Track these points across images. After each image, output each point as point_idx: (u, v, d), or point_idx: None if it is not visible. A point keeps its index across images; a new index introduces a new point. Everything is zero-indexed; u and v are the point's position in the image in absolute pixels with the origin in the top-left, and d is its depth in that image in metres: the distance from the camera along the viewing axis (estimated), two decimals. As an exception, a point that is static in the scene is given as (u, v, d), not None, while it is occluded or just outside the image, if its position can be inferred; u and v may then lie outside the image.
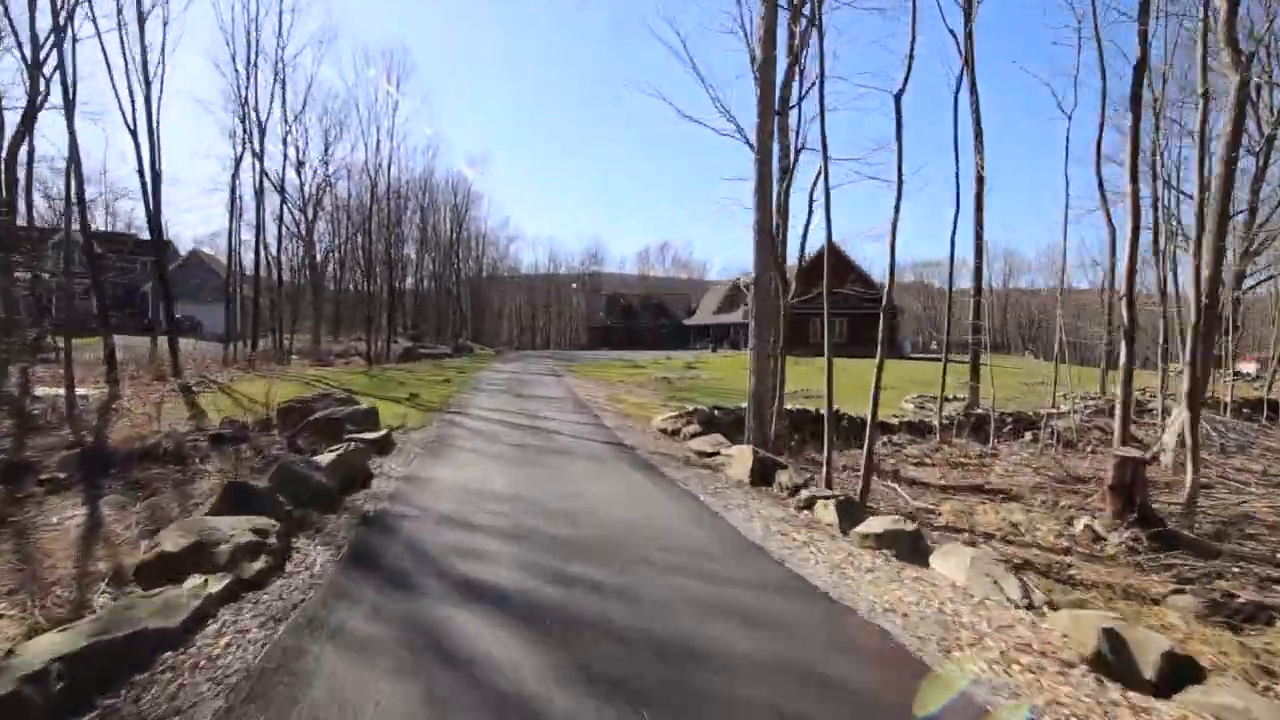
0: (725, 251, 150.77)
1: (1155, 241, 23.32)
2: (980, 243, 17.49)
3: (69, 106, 14.85)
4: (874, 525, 5.12)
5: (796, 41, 12.04)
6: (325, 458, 6.61)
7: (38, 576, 5.27)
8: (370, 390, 17.10)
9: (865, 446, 8.19)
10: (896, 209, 7.89)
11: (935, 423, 15.49)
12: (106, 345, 16.63)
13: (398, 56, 51.93)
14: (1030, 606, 3.71)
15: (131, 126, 18.54)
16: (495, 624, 3.27)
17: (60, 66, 14.74)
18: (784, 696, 2.67)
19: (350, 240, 42.41)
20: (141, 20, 18.68)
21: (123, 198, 38.44)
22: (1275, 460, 13.42)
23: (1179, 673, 2.88)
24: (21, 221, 18.18)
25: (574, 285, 75.05)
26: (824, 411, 15.51)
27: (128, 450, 9.47)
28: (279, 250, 30.38)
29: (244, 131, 25.53)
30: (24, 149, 15.75)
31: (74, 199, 15.52)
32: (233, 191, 25.64)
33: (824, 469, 8.88)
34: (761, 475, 7.24)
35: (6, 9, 14.90)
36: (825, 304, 8.58)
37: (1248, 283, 21.64)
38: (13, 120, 15.42)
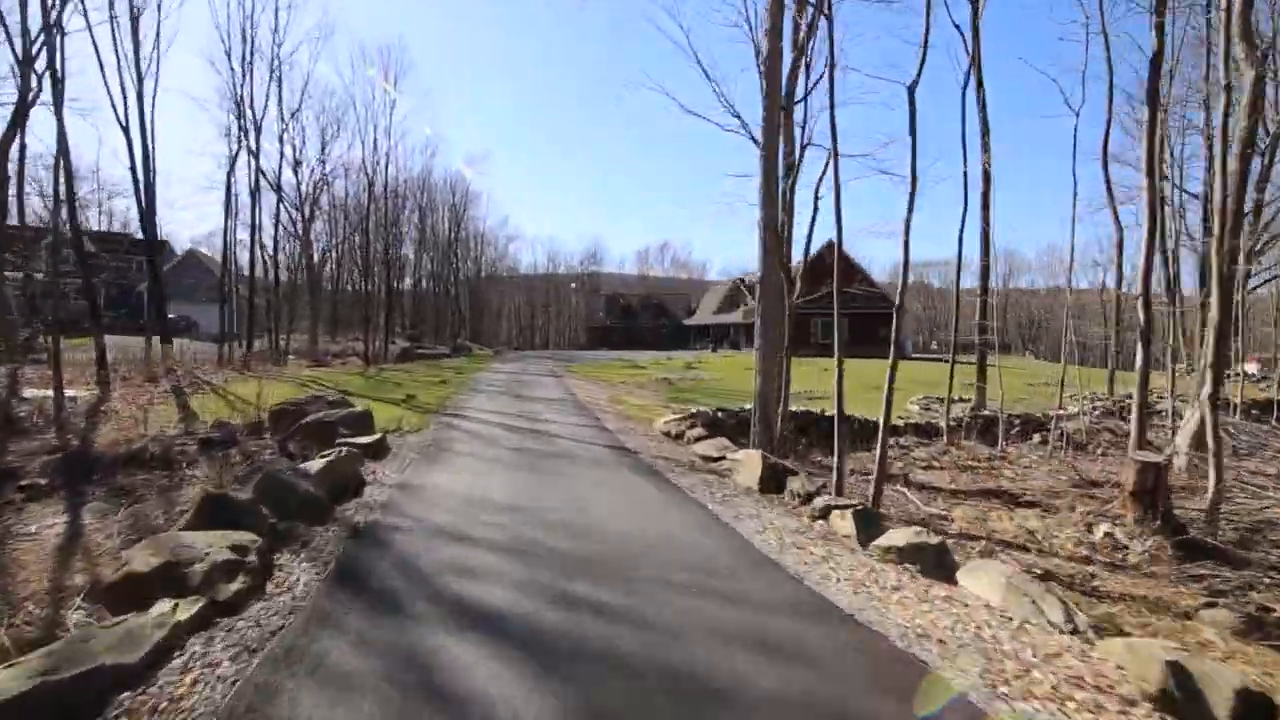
0: (725, 251, 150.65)
1: (1162, 241, 23.09)
2: (987, 242, 17.22)
3: (58, 101, 14.52)
4: (895, 538, 4.82)
5: (802, 34, 11.75)
6: (315, 464, 6.29)
7: (9, 591, 4.95)
8: (366, 392, 16.78)
9: (878, 451, 7.90)
10: (910, 205, 7.60)
11: (942, 424, 15.19)
12: (97, 346, 16.30)
13: (395, 54, 51.25)
14: (1075, 631, 3.41)
15: (124, 123, 18.24)
16: (492, 655, 2.96)
17: (50, 60, 14.42)
18: (817, 744, 2.37)
19: (348, 240, 42.11)
20: (134, 16, 18.36)
21: (116, 196, 38.02)
22: (1292, 463, 13.09)
23: (1255, 713, 2.58)
24: (13, 221, 17.88)
25: (573, 285, 74.73)
26: (829, 413, 15.24)
27: (112, 455, 9.15)
28: (275, 250, 30.08)
29: (239, 129, 25.21)
30: (15, 146, 15.45)
31: (63, 197, 15.17)
32: (228, 190, 25.31)
33: (834, 475, 8.57)
34: (772, 482, 6.93)
35: (-3, 3, 14.58)
36: (835, 303, 8.29)
37: (1251, 282, 21.41)
38: (2, 117, 15.10)
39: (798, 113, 12.13)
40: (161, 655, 2.82)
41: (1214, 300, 8.75)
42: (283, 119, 28.37)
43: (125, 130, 18.22)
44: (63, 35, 15.07)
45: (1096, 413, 17.03)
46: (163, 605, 3.18)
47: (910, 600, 3.84)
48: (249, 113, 25.37)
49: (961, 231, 14.51)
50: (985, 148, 16.67)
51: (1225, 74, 8.53)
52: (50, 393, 13.33)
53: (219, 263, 33.21)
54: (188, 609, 3.17)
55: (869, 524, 5.25)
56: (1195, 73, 21.64)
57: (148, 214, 17.99)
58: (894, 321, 7.90)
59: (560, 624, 3.31)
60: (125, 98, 18.32)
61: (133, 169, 18.06)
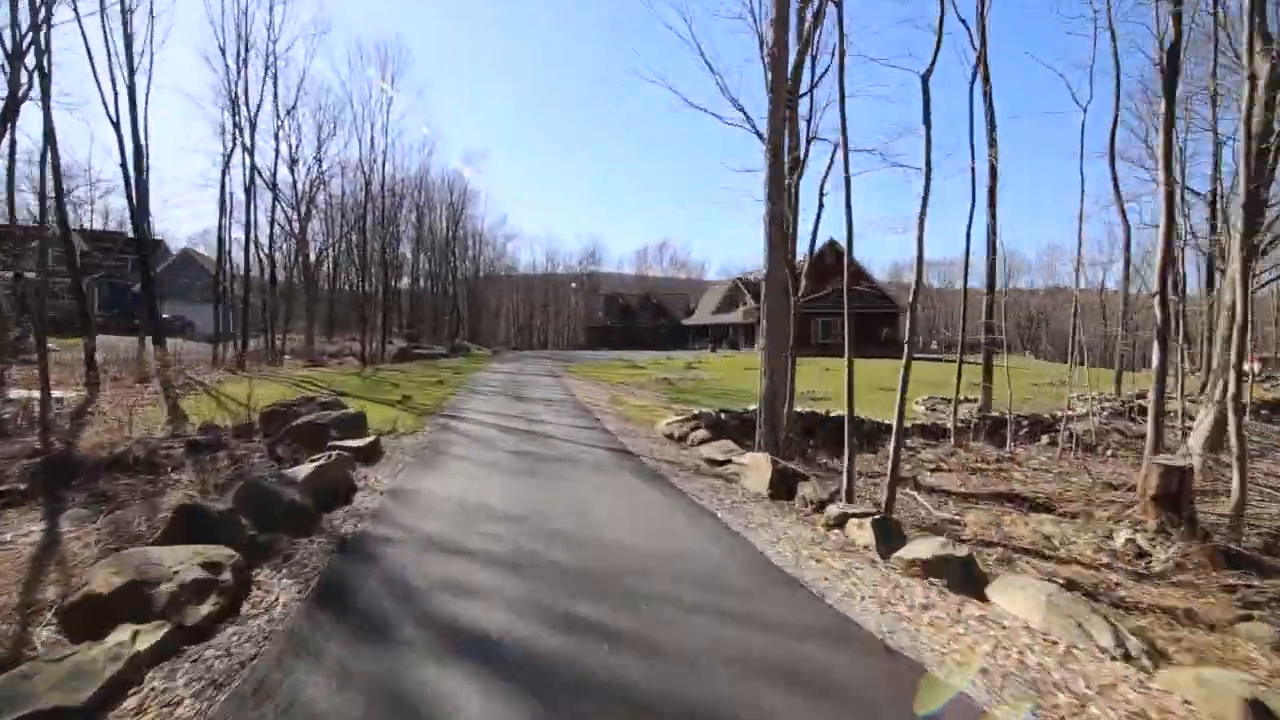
0: (724, 251, 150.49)
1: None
2: (994, 239, 16.89)
3: (45, 94, 14.15)
4: (919, 550, 4.52)
5: (808, 26, 11.46)
6: (303, 470, 5.97)
7: (-26, 607, 4.64)
8: (361, 392, 16.46)
9: (891, 454, 7.59)
10: (925, 198, 7.29)
11: (949, 425, 14.88)
12: (86, 346, 15.96)
13: (392, 51, 51.14)
14: (1128, 658, 3.11)
15: (114, 118, 17.86)
16: (487, 690, 2.65)
17: (37, 52, 14.05)
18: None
19: (345, 238, 41.74)
20: (125, 9, 18.00)
21: (111, 193, 37.65)
22: (1309, 466, 12.82)
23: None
24: (3, 219, 17.50)
25: (573, 285, 74.40)
26: (834, 414, 14.95)
27: (95, 459, 8.83)
28: (270, 248, 29.72)
29: (234, 125, 24.86)
30: (5, 143, 15.07)
31: (50, 193, 14.81)
32: (222, 188, 24.98)
33: (844, 478, 8.26)
34: (782, 487, 6.63)
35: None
36: (846, 300, 7.98)
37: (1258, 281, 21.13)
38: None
39: (803, 106, 11.85)
40: (114, 693, 2.51)
41: (1235, 297, 8.46)
42: (278, 116, 28.09)
43: (116, 126, 17.85)
44: (49, 27, 14.70)
45: (1105, 414, 16.75)
46: (122, 633, 2.86)
47: (943, 621, 3.54)
48: (244, 110, 25.07)
49: (969, 228, 14.22)
50: (992, 143, 16.37)
51: (1249, 62, 8.23)
52: (37, 394, 13.01)
53: (215, 262, 32.86)
54: (150, 637, 2.86)
55: (889, 534, 4.94)
56: (1199, 69, 21.42)
57: (139, 211, 17.63)
58: (908, 320, 7.59)
59: (562, 651, 3.00)
60: (116, 92, 17.98)
61: (124, 165, 17.70)
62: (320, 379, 20.09)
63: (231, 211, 26.58)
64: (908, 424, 15.06)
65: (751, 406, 14.45)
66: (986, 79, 16.58)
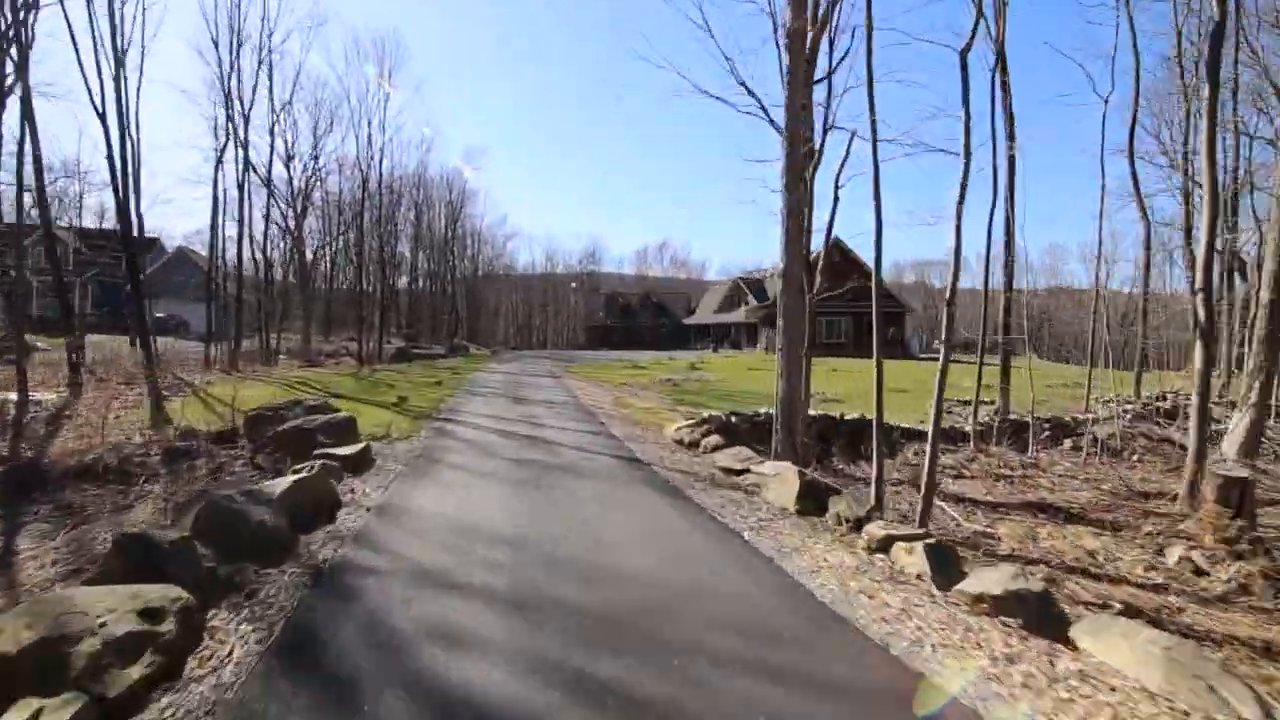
0: (725, 251, 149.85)
1: (1187, 238, 22.19)
2: (1011, 234, 16.26)
3: (24, 81, 13.51)
4: (986, 582, 3.90)
5: (824, 8, 10.83)
6: (280, 483, 5.35)
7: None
8: (356, 393, 15.85)
9: (926, 465, 6.98)
10: (963, 185, 6.68)
11: (968, 429, 14.25)
12: (69, 345, 15.32)
13: (390, 45, 50.49)
14: (1282, 736, 2.50)
15: (100, 110, 17.17)
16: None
17: (16, 35, 13.41)
18: None
19: (342, 236, 41.08)
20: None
21: (104, 189, 36.97)
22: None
23: None
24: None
25: (573, 285, 73.76)
26: (849, 417, 14.33)
27: (65, 467, 8.21)
28: (265, 246, 29.08)
29: (228, 120, 24.21)
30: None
31: (29, 186, 14.15)
32: (215, 184, 24.32)
33: (874, 489, 7.66)
34: (810, 502, 6.01)
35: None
36: (875, 298, 7.39)
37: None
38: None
39: (819, 93, 11.21)
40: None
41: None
42: (274, 111, 27.43)
43: (102, 117, 17.16)
44: (30, 8, 14.05)
45: (1128, 416, 16.13)
46: (21, 711, 2.24)
47: (1037, 681, 2.92)
48: (237, 104, 24.42)
49: (990, 222, 13.61)
50: (1010, 135, 15.75)
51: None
52: (15, 395, 12.39)
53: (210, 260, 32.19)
54: (55, 716, 2.24)
55: (945, 562, 4.32)
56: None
57: (124, 205, 16.95)
58: (945, 317, 6.97)
59: (580, 729, 2.38)
60: (102, 83, 17.30)
61: (109, 158, 17.00)
62: (315, 380, 19.48)
63: (225, 208, 25.95)
64: (923, 427, 14.44)
65: (762, 409, 13.84)
66: (1004, 69, 15.97)
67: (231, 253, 27.83)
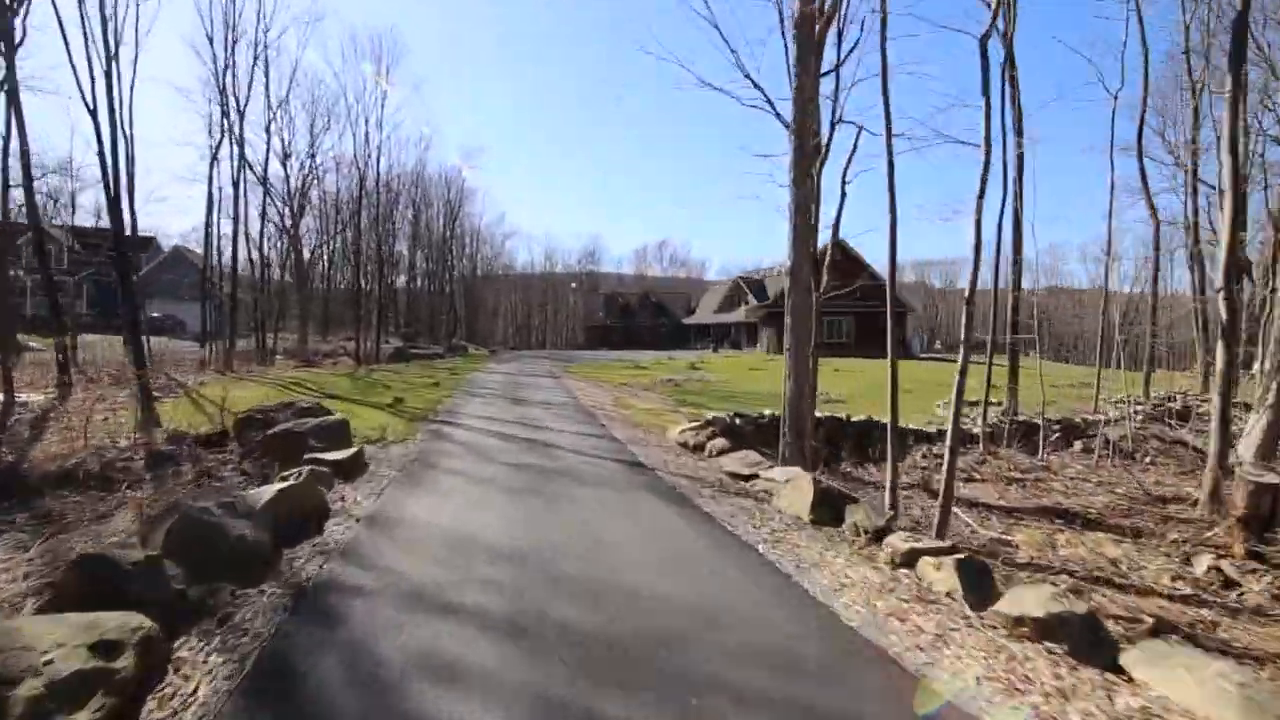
0: (725, 250, 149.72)
1: (1195, 236, 21.89)
2: (1019, 231, 15.95)
3: (11, 76, 13.19)
4: (1025, 603, 3.59)
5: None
6: (264, 492, 5.03)
7: None
8: (351, 394, 15.53)
9: (945, 471, 6.67)
10: (984, 177, 6.37)
11: (977, 431, 13.94)
12: (58, 346, 15.00)
13: (387, 42, 50.00)
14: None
15: (91, 106, 16.81)
16: None
17: (6, 34, 13.08)
18: None
19: (340, 235, 40.74)
20: (102, -10, 16.98)
21: (96, 188, 36.57)
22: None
23: None
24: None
25: (572, 285, 73.43)
26: (855, 419, 14.02)
27: (44, 472, 7.89)
28: (261, 245, 28.73)
29: (223, 116, 23.86)
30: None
31: (17, 182, 13.83)
32: (210, 181, 23.98)
33: (888, 495, 7.37)
34: (826, 511, 5.69)
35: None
36: (890, 295, 7.09)
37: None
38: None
39: (826, 86, 10.89)
40: None
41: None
42: (270, 108, 27.09)
43: (93, 113, 16.75)
44: (18, 5, 13.74)
45: (1139, 418, 15.83)
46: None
47: (1099, 720, 2.61)
48: (232, 100, 24.07)
49: (1000, 219, 13.28)
50: (1018, 131, 15.45)
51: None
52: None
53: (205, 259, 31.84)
54: (-20, 778, 1.92)
55: (977, 580, 4.01)
56: (1217, 61, 20.49)
57: (115, 202, 16.56)
58: (965, 316, 6.66)
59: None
60: (93, 78, 16.94)
61: (100, 154, 16.54)
62: (310, 380, 19.14)
63: (221, 206, 25.60)
64: (934, 429, 14.16)
65: (767, 411, 13.54)
66: (1013, 64, 15.68)
67: (227, 252, 27.46)
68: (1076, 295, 64.85)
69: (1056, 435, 14.32)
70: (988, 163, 6.42)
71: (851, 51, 10.41)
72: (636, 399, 16.22)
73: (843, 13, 10.22)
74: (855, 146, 11.03)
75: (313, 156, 30.79)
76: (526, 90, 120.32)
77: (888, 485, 7.39)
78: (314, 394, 14.78)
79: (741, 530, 5.24)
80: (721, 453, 8.85)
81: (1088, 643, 3.40)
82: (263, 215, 28.75)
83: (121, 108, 20.98)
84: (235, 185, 24.87)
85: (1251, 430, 11.66)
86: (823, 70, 10.77)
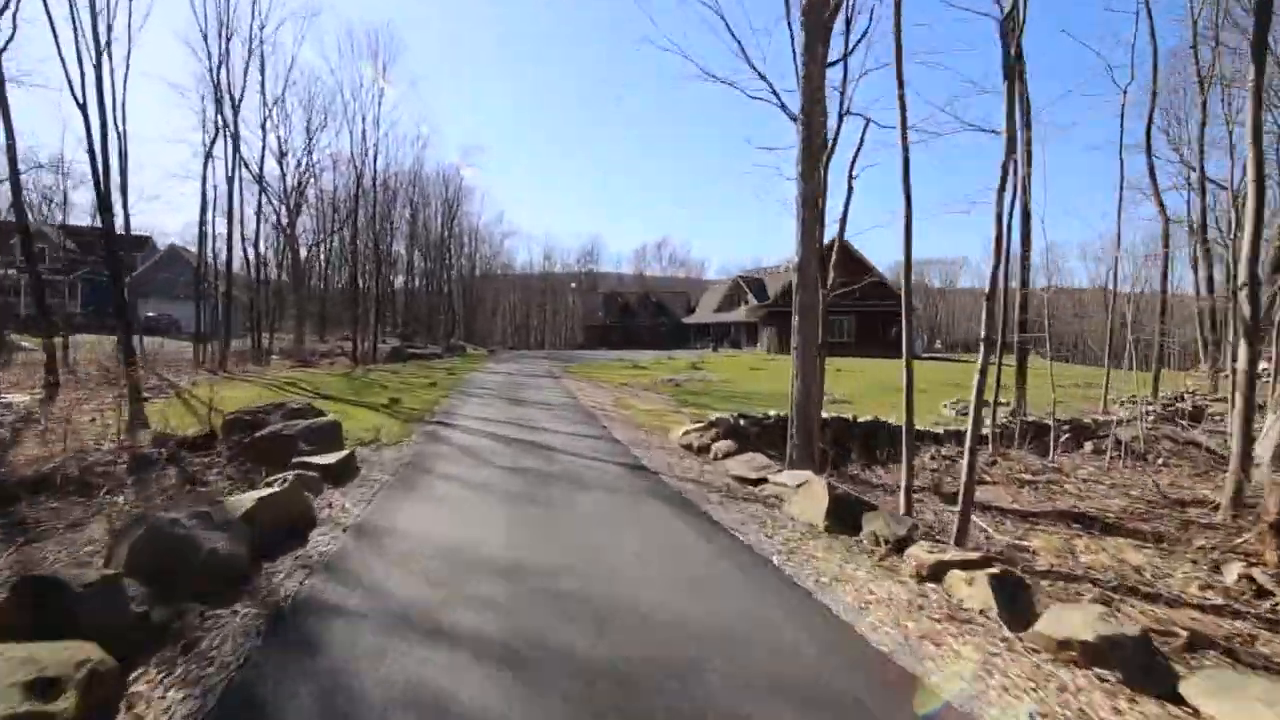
0: (724, 250, 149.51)
1: (1203, 234, 21.62)
2: (1028, 228, 15.64)
3: (-4, 70, 12.84)
4: (1071, 624, 3.28)
5: (839, -14, 10.19)
6: (246, 500, 4.72)
7: None
8: (346, 395, 15.20)
9: (964, 475, 6.34)
10: (1005, 166, 6.05)
11: (987, 432, 13.61)
12: (46, 346, 14.63)
13: (384, 39, 49.68)
14: None
15: (80, 100, 16.48)
16: None
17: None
18: None
19: (337, 234, 40.37)
20: (91, -18, 16.64)
21: (86, 185, 36.17)
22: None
23: None
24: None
25: (571, 284, 73.08)
26: (861, 419, 13.70)
27: (20, 477, 7.55)
28: (257, 243, 28.39)
29: (217, 112, 23.51)
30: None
31: (2, 177, 13.48)
32: (204, 178, 23.65)
33: (902, 499, 7.05)
34: (841, 518, 5.38)
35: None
36: (905, 290, 6.78)
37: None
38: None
39: (833, 77, 10.59)
40: None
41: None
42: (265, 105, 26.75)
43: (82, 108, 16.44)
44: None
45: (1150, 418, 15.53)
46: None
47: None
48: (227, 96, 23.71)
49: (1010, 215, 13.00)
50: (1026, 125, 15.16)
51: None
52: (-15, 398, 11.76)
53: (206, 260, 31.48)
54: None
55: (1014, 596, 3.70)
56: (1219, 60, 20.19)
57: (106, 198, 16.26)
58: (985, 313, 6.34)
59: None
60: (83, 72, 16.60)
61: (90, 150, 16.28)
62: (306, 380, 18.81)
63: (215, 204, 25.26)
64: (941, 430, 13.85)
65: (772, 411, 13.22)
66: (1020, 55, 15.39)
67: (223, 251, 27.13)
68: (1076, 295, 64.65)
69: (1067, 436, 14.01)
70: (1009, 150, 6.11)
71: (860, 41, 10.15)
72: (637, 399, 15.91)
73: (851, 3, 9.91)
74: (862, 140, 10.77)
75: (309, 154, 30.46)
76: (526, 89, 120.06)
77: (902, 489, 7.07)
78: (308, 394, 14.45)
79: (753, 540, 4.93)
80: (727, 455, 8.53)
81: (1141, 669, 3.09)
82: (258, 214, 28.48)
83: (114, 103, 20.67)
84: (230, 183, 24.56)
85: (1269, 431, 11.35)
86: (830, 60, 10.47)
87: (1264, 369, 26.04)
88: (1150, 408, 17.56)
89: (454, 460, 7.89)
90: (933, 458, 12.33)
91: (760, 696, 2.64)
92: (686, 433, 9.89)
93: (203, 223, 24.48)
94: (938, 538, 6.47)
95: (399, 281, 50.63)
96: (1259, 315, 8.73)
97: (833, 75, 10.38)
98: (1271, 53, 19.29)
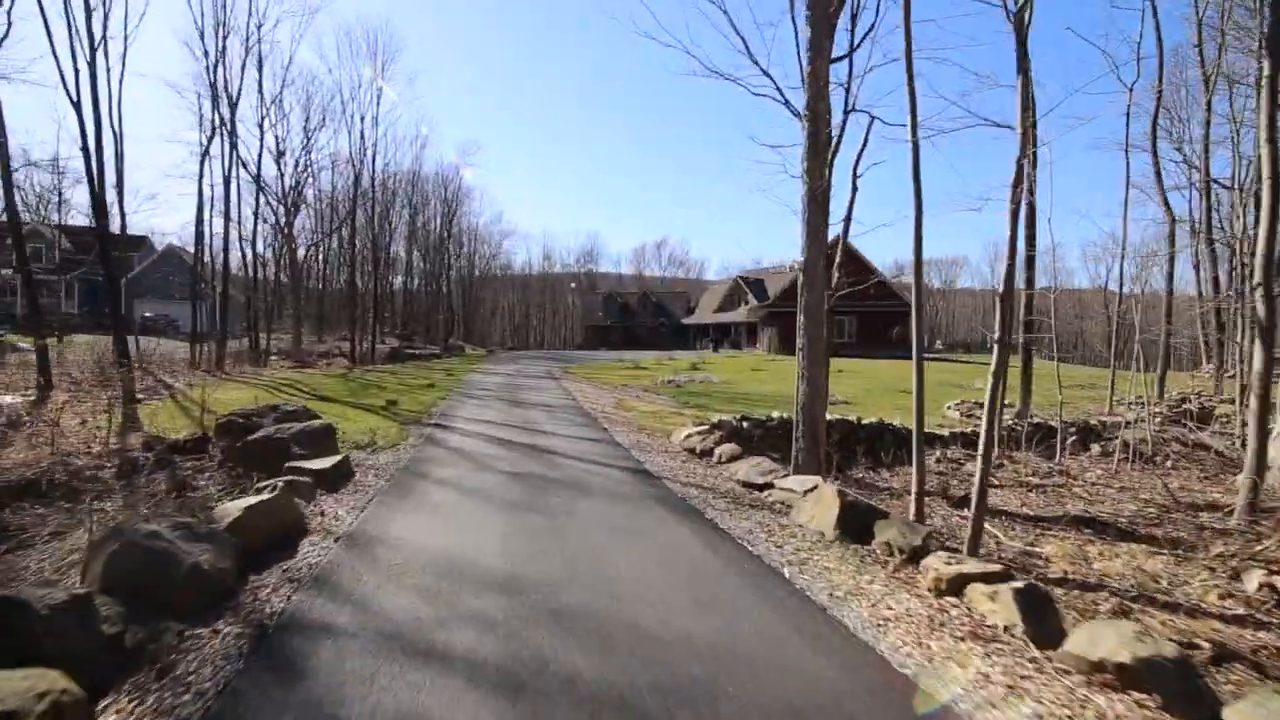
0: (724, 250, 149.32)
1: (1209, 233, 21.43)
2: (1033, 224, 15.42)
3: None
4: (1104, 644, 3.09)
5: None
6: (230, 510, 4.52)
7: None
8: (343, 396, 15.00)
9: (976, 480, 6.14)
10: (1019, 163, 5.87)
11: (993, 434, 13.39)
12: (37, 346, 14.44)
13: (383, 38, 49.50)
14: None
15: (74, 98, 16.30)
16: None
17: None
18: None
19: (336, 234, 40.17)
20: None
21: (84, 184, 35.96)
22: None
23: None
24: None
25: (571, 284, 72.89)
26: (866, 421, 13.50)
27: (5, 481, 7.35)
28: (255, 243, 28.18)
29: (214, 111, 23.30)
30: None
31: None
32: (201, 177, 23.41)
33: (913, 504, 6.84)
34: (852, 526, 5.19)
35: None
36: (916, 289, 6.58)
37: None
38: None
39: (838, 73, 10.36)
40: None
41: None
42: (263, 104, 26.55)
43: (76, 105, 16.28)
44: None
45: (1157, 420, 15.35)
46: None
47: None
48: (224, 95, 23.49)
49: (1016, 211, 12.78)
50: (1031, 123, 14.96)
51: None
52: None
53: (204, 260, 31.27)
54: None
55: (1040, 613, 3.51)
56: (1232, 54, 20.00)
57: (100, 196, 16.06)
58: (999, 311, 6.15)
59: None
60: (77, 70, 16.41)
61: (84, 148, 16.09)
62: (303, 381, 18.62)
63: (213, 204, 25.05)
64: (946, 432, 13.65)
65: (775, 413, 13.03)
66: (1025, 53, 15.19)
67: (220, 251, 26.91)
68: (1076, 295, 64.52)
69: (1073, 438, 13.82)
70: (1024, 145, 5.93)
71: (866, 35, 9.91)
72: (638, 401, 15.72)
73: (857, -3, 9.71)
74: (867, 138, 10.53)
75: (308, 154, 30.24)
76: (525, 89, 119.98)
77: (913, 495, 6.86)
78: (304, 395, 14.27)
79: (762, 550, 4.74)
80: (731, 459, 8.34)
81: (1182, 694, 2.90)
82: (256, 214, 28.26)
83: (110, 102, 20.52)
84: (227, 182, 24.36)
85: (1279, 436, 11.15)
86: (835, 56, 10.26)
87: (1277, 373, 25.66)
88: (1156, 409, 17.39)
89: (451, 464, 7.69)
90: (938, 460, 12.13)
91: (777, 728, 2.45)
92: (689, 435, 9.70)
93: (200, 222, 24.26)
94: (948, 544, 6.28)
95: (398, 282, 50.48)
96: (1275, 315, 8.53)
97: (837, 72, 10.17)
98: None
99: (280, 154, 29.01)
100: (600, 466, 7.65)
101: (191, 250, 38.16)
